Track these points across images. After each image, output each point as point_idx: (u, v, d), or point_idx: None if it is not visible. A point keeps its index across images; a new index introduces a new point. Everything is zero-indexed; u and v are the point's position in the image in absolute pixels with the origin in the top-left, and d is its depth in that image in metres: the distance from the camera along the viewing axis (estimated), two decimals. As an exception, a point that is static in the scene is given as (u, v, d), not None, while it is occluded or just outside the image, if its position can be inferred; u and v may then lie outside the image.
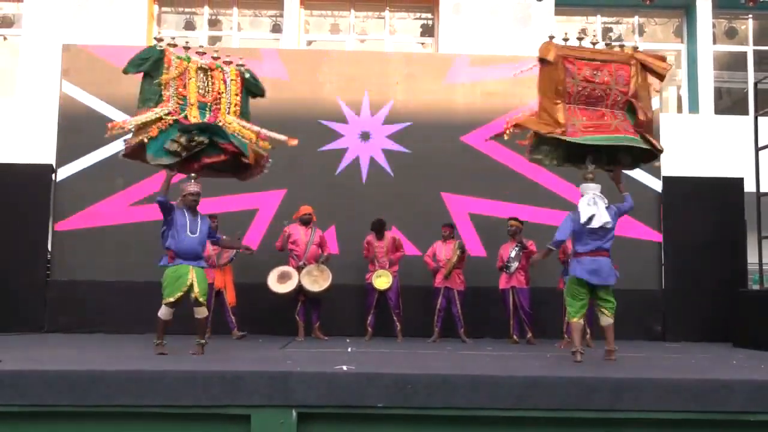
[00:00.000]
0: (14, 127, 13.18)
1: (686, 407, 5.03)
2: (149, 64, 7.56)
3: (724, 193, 11.17)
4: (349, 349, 8.16)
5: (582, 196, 7.34)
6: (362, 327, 10.10)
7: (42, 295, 10.69)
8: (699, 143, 13.22)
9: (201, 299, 7.27)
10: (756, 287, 11.38)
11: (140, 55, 7.64)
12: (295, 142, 8.19)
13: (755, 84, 12.04)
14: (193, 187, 7.38)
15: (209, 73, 7.79)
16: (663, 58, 7.93)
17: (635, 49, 7.85)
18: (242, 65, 8.03)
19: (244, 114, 7.94)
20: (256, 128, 7.87)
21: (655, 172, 11.39)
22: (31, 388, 4.95)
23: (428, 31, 14.82)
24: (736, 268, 10.94)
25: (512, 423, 5.01)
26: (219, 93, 7.78)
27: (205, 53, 7.89)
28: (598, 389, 5.07)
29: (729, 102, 15.33)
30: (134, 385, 4.98)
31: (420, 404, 5.00)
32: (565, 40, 7.58)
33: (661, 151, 7.75)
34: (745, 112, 14.04)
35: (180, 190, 7.43)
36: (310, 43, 14.76)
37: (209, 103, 7.72)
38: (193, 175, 7.48)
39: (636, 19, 14.92)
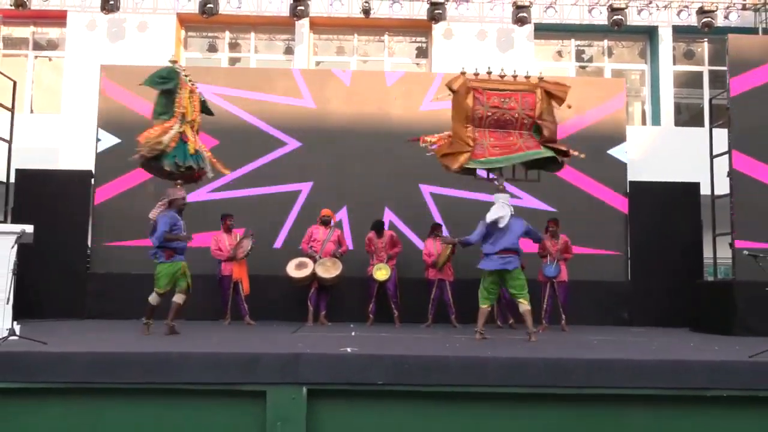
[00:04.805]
0: (59, 138, 13.17)
1: (650, 384, 5.03)
2: (171, 84, 7.63)
3: (683, 196, 11.19)
4: (353, 334, 8.15)
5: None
6: (364, 314, 10.09)
7: (83, 286, 10.70)
8: (661, 152, 13.20)
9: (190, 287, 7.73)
10: (710, 278, 11.38)
11: (160, 74, 7.70)
12: (228, 171, 8.78)
13: (710, 100, 12.05)
14: (183, 192, 7.76)
15: (192, 95, 7.91)
16: (564, 84, 8.18)
17: (540, 78, 8.15)
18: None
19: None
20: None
21: (622, 178, 11.42)
22: (75, 367, 4.96)
23: (422, 53, 14.80)
24: (693, 262, 10.94)
25: (498, 398, 5.01)
26: (197, 113, 8.05)
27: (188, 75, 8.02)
28: (573, 369, 5.07)
29: (687, 116, 15.31)
30: (164, 366, 4.98)
31: (416, 382, 5.00)
32: (476, 74, 7.90)
33: (568, 153, 8.00)
34: (701, 125, 14.01)
35: (166, 194, 7.66)
36: (318, 63, 14.74)
37: (192, 121, 7.93)
38: (179, 181, 7.79)
39: (605, 43, 14.88)
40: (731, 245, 9.58)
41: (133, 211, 10.81)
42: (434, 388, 5.00)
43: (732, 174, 9.71)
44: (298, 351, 5.22)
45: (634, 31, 14.49)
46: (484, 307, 7.67)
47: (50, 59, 14.65)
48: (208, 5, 13.08)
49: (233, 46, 14.72)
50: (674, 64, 14.60)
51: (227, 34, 14.66)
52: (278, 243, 11.04)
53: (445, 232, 10.49)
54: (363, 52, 14.83)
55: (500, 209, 7.51)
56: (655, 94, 14.48)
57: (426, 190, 11.28)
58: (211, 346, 5.90)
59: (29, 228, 6.22)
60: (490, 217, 7.47)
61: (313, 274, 9.69)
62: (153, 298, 7.54)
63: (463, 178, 9.27)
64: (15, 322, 5.85)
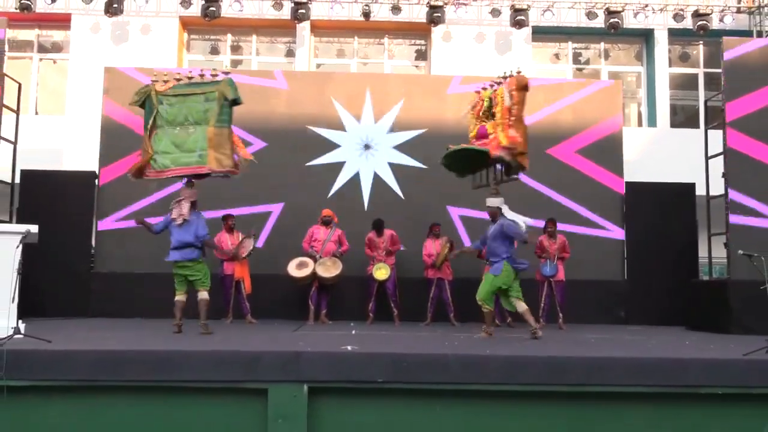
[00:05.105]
0: (64, 138, 13.17)
1: (647, 382, 5.03)
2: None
3: (679, 196, 11.17)
4: (353, 332, 8.14)
5: (498, 208, 7.63)
6: (364, 313, 10.07)
7: (87, 285, 10.68)
8: (657, 153, 13.21)
9: None
10: (706, 278, 11.38)
11: (234, 85, 7.65)
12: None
13: (705, 102, 12.08)
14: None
15: None
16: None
17: None
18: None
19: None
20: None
21: (619, 178, 11.41)
22: (79, 365, 4.95)
23: (422, 55, 14.80)
24: (688, 261, 10.94)
25: (496, 396, 5.00)
26: None
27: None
28: (572, 367, 5.06)
29: (683, 117, 15.31)
30: (167, 364, 4.98)
31: (415, 379, 4.99)
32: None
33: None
34: (697, 126, 14.03)
35: (186, 194, 7.62)
36: (319, 65, 14.74)
37: None
38: (192, 181, 7.73)
39: (602, 45, 14.89)
40: (726, 245, 9.57)
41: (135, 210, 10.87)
42: (434, 386, 4.99)
43: (726, 150, 9.71)
44: (300, 349, 5.22)
45: (630, 34, 14.50)
46: (491, 308, 7.64)
47: (55, 62, 14.65)
48: (210, 8, 13.09)
49: (235, 48, 14.72)
50: (670, 66, 14.61)
51: (229, 37, 14.66)
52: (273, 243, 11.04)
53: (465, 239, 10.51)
54: (363, 55, 14.84)
55: (516, 214, 7.61)
56: (651, 96, 14.48)
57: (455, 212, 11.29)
58: (214, 345, 5.89)
59: (34, 228, 6.22)
60: (525, 221, 7.55)
61: (314, 274, 9.69)
62: (207, 296, 7.64)
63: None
64: (20, 321, 5.85)
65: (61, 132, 13.24)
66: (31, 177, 10.82)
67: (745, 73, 9.77)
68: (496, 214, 7.63)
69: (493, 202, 7.69)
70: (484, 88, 8.23)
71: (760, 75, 9.77)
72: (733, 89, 9.77)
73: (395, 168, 11.34)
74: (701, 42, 14.70)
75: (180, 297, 7.59)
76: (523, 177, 10.62)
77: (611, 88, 12.05)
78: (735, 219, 9.42)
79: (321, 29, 14.53)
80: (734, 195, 9.52)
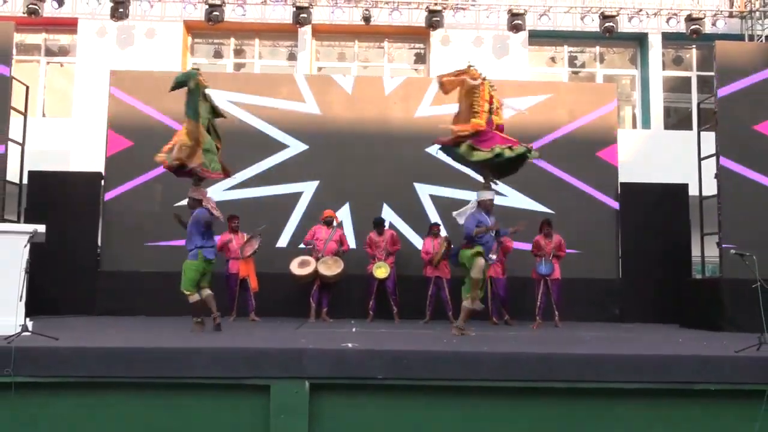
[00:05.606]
0: (70, 141, 13.17)
1: (640, 378, 5.03)
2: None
3: (672, 196, 11.19)
4: (354, 330, 8.15)
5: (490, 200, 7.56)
6: (364, 310, 10.08)
7: (93, 284, 10.69)
8: (651, 154, 13.21)
9: None
10: (698, 276, 11.39)
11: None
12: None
13: (698, 104, 12.08)
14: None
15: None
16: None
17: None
18: None
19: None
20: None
21: (614, 179, 11.41)
22: (85, 362, 4.96)
23: (421, 59, 14.80)
24: (682, 260, 10.94)
25: (493, 392, 5.00)
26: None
27: None
28: (566, 363, 5.07)
29: (676, 119, 15.30)
30: (171, 360, 4.98)
31: (414, 376, 4.99)
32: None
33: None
34: (690, 128, 14.01)
35: (198, 193, 7.49)
36: (320, 69, 14.74)
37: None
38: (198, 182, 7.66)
39: (597, 49, 14.88)
40: (719, 244, 9.58)
41: (142, 210, 10.88)
42: (432, 382, 5.00)
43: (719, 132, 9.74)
44: (302, 346, 5.22)
45: (624, 38, 14.49)
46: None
47: (62, 65, 14.64)
48: (214, 13, 13.09)
49: (238, 52, 14.72)
50: (663, 69, 14.60)
51: (232, 41, 14.66)
52: (283, 242, 11.04)
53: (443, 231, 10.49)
54: (363, 58, 14.84)
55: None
56: (645, 99, 14.48)
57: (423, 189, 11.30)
58: (218, 342, 5.90)
59: (41, 228, 6.23)
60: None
61: (316, 272, 9.70)
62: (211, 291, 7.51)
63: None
64: (27, 319, 5.85)
65: (68, 134, 13.23)
66: (38, 178, 10.84)
67: (736, 55, 9.84)
68: (491, 206, 7.59)
69: (492, 194, 7.59)
70: (484, 78, 7.86)
71: (753, 112, 9.77)
72: (723, 71, 9.79)
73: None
74: (694, 46, 14.69)
75: (196, 296, 7.33)
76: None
77: (606, 91, 12.05)
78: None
79: (322, 33, 14.53)
80: (726, 162, 9.58)
